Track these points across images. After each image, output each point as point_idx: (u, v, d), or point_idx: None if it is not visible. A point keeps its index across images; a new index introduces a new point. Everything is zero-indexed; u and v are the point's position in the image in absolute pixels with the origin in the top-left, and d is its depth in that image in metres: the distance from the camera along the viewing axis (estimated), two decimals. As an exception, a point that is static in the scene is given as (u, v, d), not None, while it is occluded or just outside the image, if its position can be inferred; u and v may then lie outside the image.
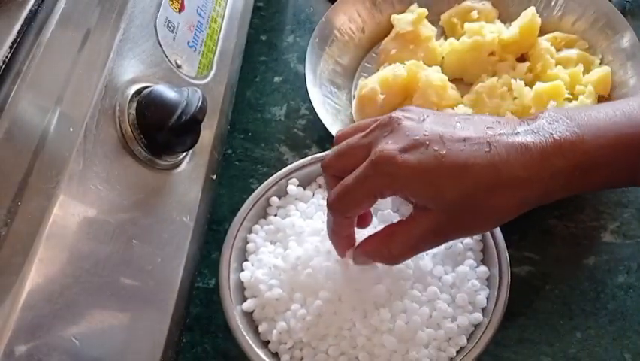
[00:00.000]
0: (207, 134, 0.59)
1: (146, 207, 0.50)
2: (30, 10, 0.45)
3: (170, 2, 0.57)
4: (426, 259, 0.55)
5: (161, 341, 0.48)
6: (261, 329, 0.55)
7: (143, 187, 0.50)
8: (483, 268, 0.56)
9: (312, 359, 0.54)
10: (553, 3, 0.79)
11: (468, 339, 0.53)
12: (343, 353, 0.54)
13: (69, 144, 0.43)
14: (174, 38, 0.57)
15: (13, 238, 0.38)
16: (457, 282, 0.55)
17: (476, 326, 0.54)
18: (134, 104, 0.49)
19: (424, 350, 0.52)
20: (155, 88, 0.50)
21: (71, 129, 0.44)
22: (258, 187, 0.61)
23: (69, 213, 0.42)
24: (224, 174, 0.74)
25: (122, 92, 0.49)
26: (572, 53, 0.75)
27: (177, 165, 0.54)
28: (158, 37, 0.55)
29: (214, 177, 0.60)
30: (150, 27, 0.54)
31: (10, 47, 0.43)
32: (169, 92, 0.49)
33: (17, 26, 0.44)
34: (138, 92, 0.50)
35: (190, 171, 0.55)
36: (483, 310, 0.54)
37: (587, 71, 0.73)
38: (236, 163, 0.76)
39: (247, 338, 0.54)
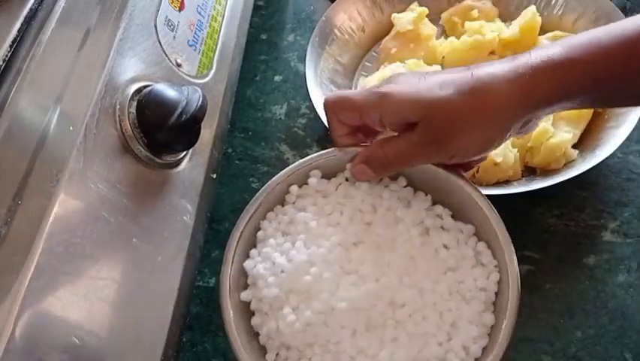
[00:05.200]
0: (207, 133, 0.59)
1: (146, 206, 0.50)
2: (30, 9, 0.45)
3: (171, 1, 0.57)
4: (432, 289, 0.52)
5: (161, 340, 0.48)
6: (253, 321, 0.54)
7: (143, 186, 0.50)
8: (489, 317, 0.52)
9: None
10: (553, 2, 0.79)
11: None
12: None
13: (69, 143, 0.43)
14: (174, 37, 0.57)
15: (13, 236, 0.38)
16: (458, 322, 0.52)
17: None
18: (134, 103, 0.49)
19: None
20: (155, 87, 0.50)
21: (71, 128, 0.44)
22: (258, 186, 0.61)
23: (69, 212, 0.42)
24: (225, 173, 0.74)
25: (122, 91, 0.49)
26: (573, 51, 0.75)
27: (177, 163, 0.54)
28: (158, 36, 0.55)
29: (214, 176, 0.60)
30: (150, 26, 0.54)
31: (11, 46, 0.43)
32: (169, 91, 0.49)
33: (17, 25, 0.44)
34: (138, 90, 0.50)
35: (190, 170, 0.55)
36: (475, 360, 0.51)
37: (587, 70, 0.73)
38: (237, 162, 0.76)
39: (234, 330, 0.52)
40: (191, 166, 0.55)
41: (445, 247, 0.54)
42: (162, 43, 0.55)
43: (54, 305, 0.40)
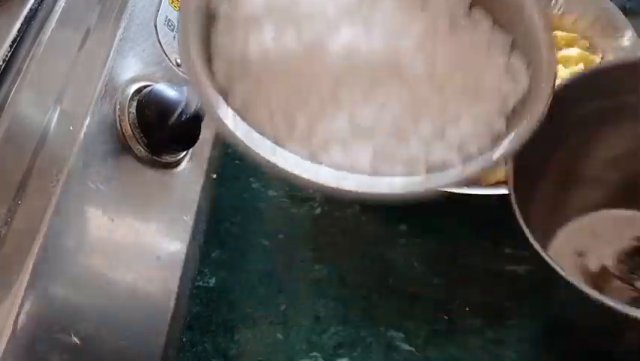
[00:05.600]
0: (207, 133, 0.58)
1: (146, 206, 0.50)
2: (30, 9, 0.46)
3: (171, 1, 0.57)
4: (446, 73, 0.43)
5: (161, 340, 0.48)
6: (216, 36, 0.43)
7: (143, 186, 0.50)
8: (501, 122, 0.43)
9: (243, 94, 0.42)
10: (553, 2, 0.79)
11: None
12: (285, 108, 0.41)
13: (69, 143, 0.43)
14: (174, 37, 0.57)
15: (13, 236, 0.38)
16: (462, 114, 0.42)
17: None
18: (134, 103, 0.49)
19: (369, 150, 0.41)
20: (155, 87, 0.50)
21: (71, 128, 0.44)
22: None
23: (69, 212, 0.42)
24: (225, 173, 0.73)
25: (122, 91, 0.49)
26: (573, 52, 0.75)
27: (177, 163, 0.54)
28: (158, 35, 0.55)
29: (214, 176, 0.60)
30: (150, 26, 0.54)
31: (11, 46, 0.43)
32: (169, 91, 0.49)
33: (17, 25, 0.44)
34: (138, 90, 0.50)
35: (190, 170, 0.55)
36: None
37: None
38: (237, 162, 0.76)
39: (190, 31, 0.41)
40: (192, 166, 0.55)
41: (474, 46, 0.45)
42: (162, 43, 0.55)
43: (54, 305, 0.40)
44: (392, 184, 0.40)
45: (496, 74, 0.44)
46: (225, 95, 0.41)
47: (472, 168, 0.40)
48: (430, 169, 0.40)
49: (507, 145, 0.41)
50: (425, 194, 0.40)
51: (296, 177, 0.39)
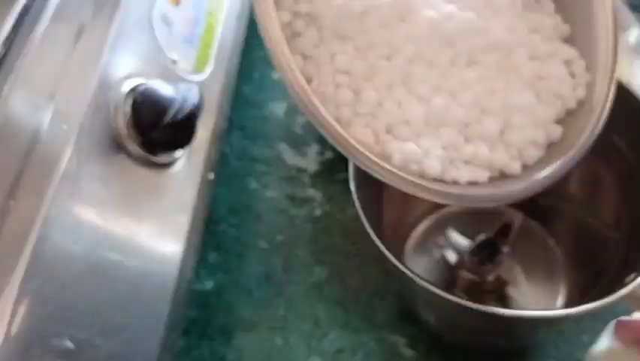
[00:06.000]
0: (204, 131, 0.58)
1: (141, 206, 0.49)
2: (23, 6, 0.45)
3: (167, -4, 0.57)
4: (510, 68, 0.42)
5: (157, 345, 0.48)
6: None
7: (138, 186, 0.49)
8: (557, 130, 0.42)
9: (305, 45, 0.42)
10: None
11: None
12: (349, 72, 0.40)
13: (63, 142, 0.43)
14: (170, 33, 0.57)
15: (5, 238, 0.38)
16: (523, 117, 0.42)
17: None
18: (129, 101, 0.49)
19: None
20: (150, 84, 0.49)
21: (65, 127, 0.44)
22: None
23: (63, 212, 0.41)
24: (222, 173, 0.73)
25: (117, 89, 0.48)
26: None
27: (173, 163, 0.53)
28: (153, 31, 0.54)
29: (212, 175, 0.60)
30: (145, 21, 0.54)
31: (4, 44, 0.43)
32: (165, 89, 0.49)
33: (10, 22, 0.44)
34: (133, 88, 0.49)
35: (186, 169, 0.55)
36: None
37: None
38: (234, 161, 0.76)
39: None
40: (188, 165, 0.55)
41: (539, 30, 0.45)
42: (158, 40, 0.55)
43: (48, 309, 0.39)
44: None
45: (557, 71, 0.43)
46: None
47: (532, 184, 0.40)
48: (491, 176, 0.40)
49: (565, 162, 0.41)
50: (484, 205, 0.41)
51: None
